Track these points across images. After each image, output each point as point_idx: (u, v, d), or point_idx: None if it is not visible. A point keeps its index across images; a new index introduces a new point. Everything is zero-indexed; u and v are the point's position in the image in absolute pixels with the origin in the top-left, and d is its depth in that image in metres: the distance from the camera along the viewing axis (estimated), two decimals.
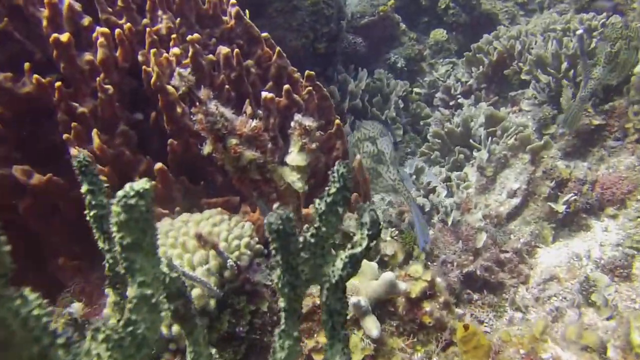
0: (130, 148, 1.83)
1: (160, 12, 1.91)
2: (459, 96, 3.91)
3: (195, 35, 1.89)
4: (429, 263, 2.86)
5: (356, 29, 4.32)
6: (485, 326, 2.70)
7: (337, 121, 2.33)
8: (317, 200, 0.88)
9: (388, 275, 1.68)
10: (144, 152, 1.92)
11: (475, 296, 2.79)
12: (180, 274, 0.92)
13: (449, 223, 2.83)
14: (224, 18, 2.16)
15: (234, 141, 1.65)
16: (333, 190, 0.88)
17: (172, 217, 1.82)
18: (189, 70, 1.51)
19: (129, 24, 1.83)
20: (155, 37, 1.82)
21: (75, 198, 1.80)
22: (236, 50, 1.98)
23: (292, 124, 1.76)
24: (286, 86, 2.07)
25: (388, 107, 3.92)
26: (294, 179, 1.80)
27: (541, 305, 2.70)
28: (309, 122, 1.74)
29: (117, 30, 1.80)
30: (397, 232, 3.08)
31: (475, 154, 3.28)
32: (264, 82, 2.17)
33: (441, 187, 3.05)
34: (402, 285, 1.69)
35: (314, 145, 1.76)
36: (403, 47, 4.44)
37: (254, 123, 1.70)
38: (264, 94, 2.06)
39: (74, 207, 1.78)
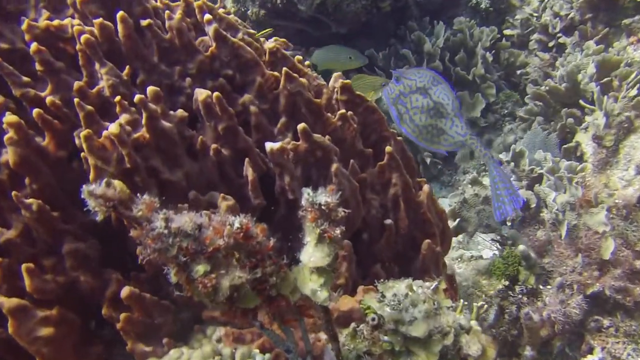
0: (90, 268, 1.31)
1: (97, 66, 1.33)
2: (560, 34, 3.09)
3: (150, 89, 1.30)
4: (541, 287, 2.21)
5: None
6: None
7: (389, 148, 1.67)
8: None
9: None
10: (118, 261, 1.40)
11: (606, 322, 2.11)
12: None
13: (563, 234, 2.13)
14: (204, 38, 1.55)
15: (201, 269, 1.08)
16: None
17: (157, 357, 1.31)
18: (104, 182, 0.94)
19: (50, 98, 1.28)
20: (89, 107, 1.26)
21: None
22: (216, 93, 1.38)
23: (303, 202, 1.16)
24: (301, 126, 1.44)
25: (475, 64, 3.17)
26: (315, 287, 1.21)
27: None
28: (325, 198, 1.14)
29: (36, 111, 1.25)
30: (497, 251, 2.44)
31: (587, 118, 2.52)
32: (274, 118, 1.57)
33: (549, 181, 2.32)
34: None
35: (338, 231, 1.17)
36: None
37: (237, 222, 1.12)
38: (268, 145, 1.45)
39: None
